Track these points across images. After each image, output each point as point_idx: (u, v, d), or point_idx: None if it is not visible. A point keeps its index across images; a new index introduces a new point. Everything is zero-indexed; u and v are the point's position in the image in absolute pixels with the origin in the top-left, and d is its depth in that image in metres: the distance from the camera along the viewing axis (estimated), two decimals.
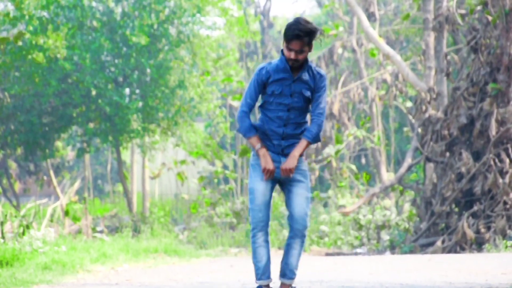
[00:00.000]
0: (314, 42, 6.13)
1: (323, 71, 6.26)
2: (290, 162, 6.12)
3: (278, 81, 6.14)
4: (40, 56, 17.34)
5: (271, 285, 6.34)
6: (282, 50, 6.18)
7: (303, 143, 6.16)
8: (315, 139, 6.19)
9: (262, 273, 6.21)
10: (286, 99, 6.14)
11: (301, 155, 6.21)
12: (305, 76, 6.17)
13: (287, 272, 6.25)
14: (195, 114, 22.12)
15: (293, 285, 6.29)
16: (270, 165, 6.13)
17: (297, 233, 6.19)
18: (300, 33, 6.00)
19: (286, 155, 6.19)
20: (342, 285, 8.09)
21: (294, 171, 6.18)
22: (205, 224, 21.02)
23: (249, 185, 6.23)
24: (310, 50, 6.12)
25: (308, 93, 6.16)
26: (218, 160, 25.40)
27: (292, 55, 6.06)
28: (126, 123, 20.32)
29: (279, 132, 6.17)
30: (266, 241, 6.20)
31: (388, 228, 19.10)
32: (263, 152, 6.15)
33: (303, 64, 6.18)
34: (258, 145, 6.16)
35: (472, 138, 16.63)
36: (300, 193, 6.19)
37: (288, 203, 6.23)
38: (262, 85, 6.18)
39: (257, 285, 6.25)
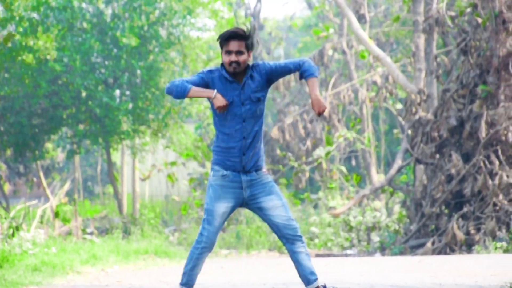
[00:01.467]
0: (253, 51, 6.07)
1: (256, 62, 6.12)
2: (319, 104, 5.92)
3: (225, 90, 6.01)
4: (30, 58, 17.28)
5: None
6: (221, 64, 6.07)
7: (312, 81, 5.98)
8: (316, 72, 6.00)
9: (192, 282, 6.10)
10: (238, 109, 6.01)
11: (261, 168, 6.09)
12: (250, 79, 6.05)
13: (309, 277, 6.09)
14: (185, 115, 22.11)
15: (322, 284, 6.14)
16: (223, 101, 5.95)
17: (290, 238, 6.07)
18: (236, 32, 5.97)
19: (247, 172, 6.05)
20: (332, 286, 8.09)
21: (260, 180, 6.08)
22: (195, 226, 21.01)
23: (207, 205, 6.05)
24: (249, 55, 6.03)
25: (258, 96, 6.05)
26: (208, 161, 25.38)
27: (232, 57, 5.96)
28: (116, 124, 20.29)
29: (239, 147, 6.02)
30: (206, 257, 6.11)
31: (378, 230, 19.13)
32: (215, 92, 5.95)
33: (246, 70, 6.06)
34: (209, 91, 5.97)
35: (462, 140, 16.68)
36: (272, 205, 6.06)
37: (266, 219, 6.10)
38: (204, 84, 6.03)
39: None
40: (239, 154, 6.05)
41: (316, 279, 6.10)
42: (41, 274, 9.97)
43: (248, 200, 6.08)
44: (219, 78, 6.05)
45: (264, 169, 6.15)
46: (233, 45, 5.97)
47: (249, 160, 6.05)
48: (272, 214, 6.06)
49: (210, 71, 6.09)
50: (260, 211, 6.09)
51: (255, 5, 34.99)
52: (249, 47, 6.04)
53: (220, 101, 5.96)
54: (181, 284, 6.12)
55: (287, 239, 6.07)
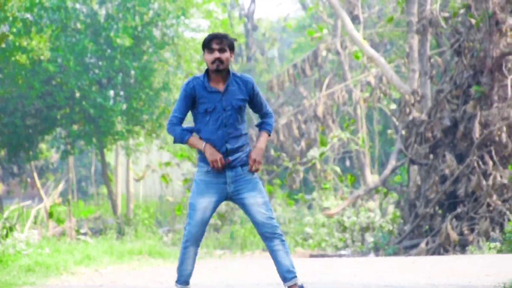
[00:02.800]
0: (233, 51, 6.20)
1: (247, 75, 6.27)
2: (257, 154, 6.16)
3: (207, 97, 6.13)
4: (23, 58, 17.25)
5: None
6: (205, 71, 6.21)
7: (264, 135, 6.28)
8: (271, 131, 6.31)
9: (184, 280, 6.26)
10: (220, 115, 6.12)
11: (246, 164, 6.20)
12: (233, 86, 6.18)
13: (285, 275, 6.19)
14: None
15: (299, 284, 6.20)
16: (217, 155, 6.09)
17: (268, 236, 6.17)
18: (217, 34, 6.13)
19: (232, 167, 6.15)
20: (326, 287, 8.11)
21: (244, 176, 6.19)
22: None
23: (190, 200, 6.20)
24: (231, 55, 6.16)
25: (240, 103, 6.16)
26: None
27: (216, 54, 6.08)
28: (110, 125, 20.28)
29: (223, 151, 6.14)
30: (195, 253, 6.23)
31: (372, 230, 19.15)
32: (208, 146, 6.10)
33: (227, 75, 6.18)
34: (201, 144, 6.13)
35: (455, 140, 16.71)
36: (253, 202, 6.16)
37: (248, 215, 6.23)
38: (191, 99, 6.16)
39: (176, 286, 6.29)
40: (223, 155, 6.17)
41: (294, 277, 6.19)
42: (35, 274, 9.96)
43: (232, 195, 6.21)
44: (201, 85, 6.18)
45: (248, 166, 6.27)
46: (215, 43, 6.11)
47: (234, 159, 6.18)
48: (253, 210, 6.18)
49: (190, 81, 6.20)
50: (242, 207, 6.23)
51: (249, 5, 35.05)
52: (231, 48, 6.17)
53: (211, 154, 6.11)
54: (176, 281, 6.29)
55: (266, 237, 6.19)
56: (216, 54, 6.08)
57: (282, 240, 6.20)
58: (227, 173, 6.17)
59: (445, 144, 16.94)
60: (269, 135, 6.30)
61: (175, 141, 6.23)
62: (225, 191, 6.18)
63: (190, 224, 6.17)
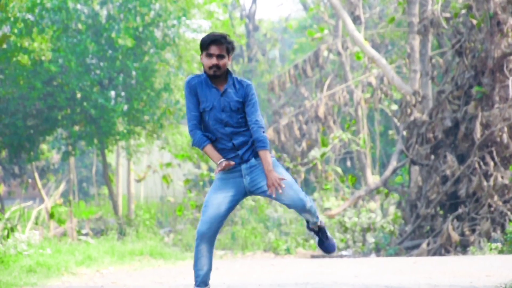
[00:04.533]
0: (232, 55, 6.21)
1: (248, 80, 6.27)
2: (270, 178, 6.07)
3: (206, 96, 6.15)
4: (25, 59, 17.26)
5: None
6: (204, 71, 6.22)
7: (265, 155, 6.12)
8: (268, 144, 6.17)
9: (202, 280, 6.21)
10: (219, 115, 6.14)
11: (258, 156, 6.21)
12: (231, 88, 6.18)
13: (309, 224, 6.53)
14: (180, 116, 22.11)
15: (320, 224, 6.53)
16: (228, 164, 6.13)
17: (300, 212, 6.32)
18: (216, 37, 6.10)
19: (246, 161, 6.16)
20: (327, 287, 8.11)
21: (259, 165, 6.20)
22: (190, 227, 21.01)
23: (206, 196, 6.23)
24: (229, 59, 6.17)
25: (238, 106, 6.16)
26: (204, 162, 25.40)
27: (213, 61, 6.09)
28: (112, 125, 20.28)
29: (230, 147, 6.16)
30: (210, 251, 6.20)
31: (374, 231, 19.14)
32: (223, 165, 6.12)
33: (227, 77, 6.19)
34: (217, 158, 6.16)
35: (457, 141, 16.71)
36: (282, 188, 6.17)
37: (275, 200, 6.24)
38: (195, 95, 6.18)
39: None
40: (232, 152, 6.19)
41: (316, 222, 6.51)
42: (36, 275, 9.96)
43: (250, 186, 6.20)
44: (201, 83, 6.20)
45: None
46: (214, 49, 6.10)
47: (244, 152, 6.19)
48: (283, 197, 6.19)
49: (192, 79, 6.22)
50: (264, 195, 6.21)
51: (250, 6, 35.07)
52: (229, 51, 6.17)
53: (225, 165, 6.15)
54: (194, 285, 6.25)
55: (298, 211, 6.33)
56: (214, 61, 6.10)
57: (312, 211, 6.34)
58: (241, 166, 6.17)
59: (446, 145, 16.94)
60: (268, 150, 6.15)
61: (193, 144, 6.27)
62: (242, 185, 6.19)
63: (201, 221, 6.15)
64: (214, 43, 6.09)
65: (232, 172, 6.18)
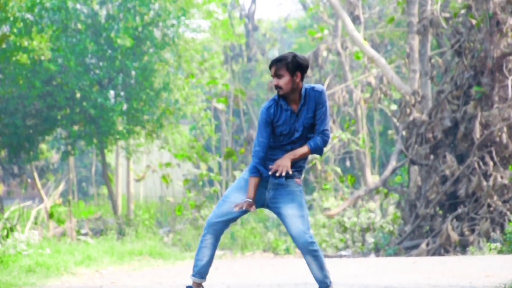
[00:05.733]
0: (299, 71, 6.13)
1: (320, 86, 6.22)
2: (282, 159, 6.10)
3: (283, 120, 6.15)
4: (24, 58, 17.26)
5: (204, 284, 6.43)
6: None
7: (303, 148, 6.15)
8: (316, 150, 6.16)
9: (199, 271, 6.26)
10: (294, 136, 6.16)
11: (292, 177, 6.19)
12: (304, 106, 6.17)
13: (320, 285, 6.28)
14: (180, 116, 22.11)
15: None
16: (251, 200, 6.10)
17: (303, 250, 6.19)
18: (274, 59, 6.13)
19: (279, 176, 6.13)
20: None
21: (286, 187, 6.20)
22: (190, 227, 21.00)
23: (226, 192, 6.27)
24: (296, 79, 6.12)
25: (311, 122, 6.18)
26: (203, 162, 25.38)
27: (274, 81, 6.12)
28: (111, 125, 20.27)
29: (279, 157, 6.18)
30: (214, 245, 6.24)
31: (373, 231, 19.15)
32: (250, 201, 6.11)
33: (301, 94, 6.16)
34: (250, 194, 6.11)
35: (456, 141, 16.71)
36: (291, 214, 6.17)
37: (284, 225, 6.25)
38: (270, 124, 6.16)
39: (191, 280, 6.30)
40: (278, 158, 6.20)
41: (328, 285, 6.25)
42: (35, 275, 9.96)
43: (269, 201, 6.25)
44: (278, 109, 6.19)
45: (298, 180, 6.25)
46: (272, 70, 6.15)
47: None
48: (288, 222, 6.19)
49: (270, 107, 6.19)
50: (279, 216, 6.25)
51: (250, 6, 35.07)
52: (290, 69, 6.12)
53: (246, 206, 6.11)
54: (191, 275, 6.30)
55: (300, 248, 6.22)
56: (274, 81, 6.14)
57: (315, 255, 6.18)
58: (270, 179, 6.20)
59: (446, 145, 16.94)
60: (310, 151, 6.15)
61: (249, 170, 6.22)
62: (263, 196, 6.23)
63: (214, 213, 6.22)
64: (272, 64, 6.14)
65: (260, 181, 6.19)
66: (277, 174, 6.08)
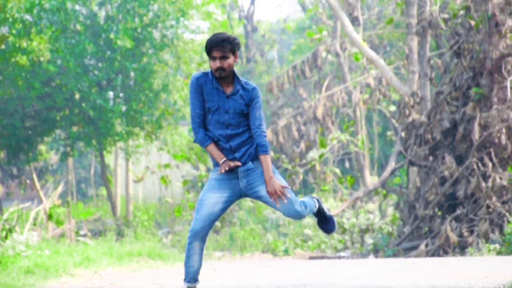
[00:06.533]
0: (239, 52, 6.22)
1: (254, 83, 6.30)
2: (270, 184, 6.12)
3: (212, 96, 6.18)
4: (23, 59, 17.24)
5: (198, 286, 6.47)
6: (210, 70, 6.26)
7: (266, 159, 6.16)
8: (268, 147, 6.21)
9: (192, 277, 6.29)
10: (222, 116, 6.18)
11: (256, 159, 6.23)
12: (238, 92, 6.21)
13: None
14: (179, 117, 22.09)
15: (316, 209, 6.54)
16: (230, 166, 6.14)
17: (297, 219, 6.33)
18: (218, 40, 6.11)
19: (243, 163, 6.19)
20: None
21: (256, 169, 6.23)
22: (188, 228, 20.98)
23: (200, 196, 6.27)
24: (235, 59, 6.18)
25: (242, 109, 6.20)
26: (202, 163, 25.38)
27: (217, 63, 6.11)
28: (110, 126, 20.26)
29: (227, 147, 6.20)
30: (201, 249, 6.26)
31: (372, 232, 19.15)
32: (225, 164, 6.15)
33: (233, 79, 6.22)
34: (220, 158, 6.17)
35: (455, 142, 16.71)
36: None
37: (269, 205, 6.28)
38: (201, 94, 6.19)
39: (185, 286, 6.33)
40: (229, 153, 6.22)
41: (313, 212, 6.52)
42: (34, 276, 9.96)
43: (246, 189, 6.24)
44: (208, 83, 6.22)
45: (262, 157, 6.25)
46: (216, 52, 6.12)
47: (242, 155, 6.22)
48: (271, 201, 6.21)
49: (200, 77, 6.24)
50: (260, 199, 6.26)
51: (249, 7, 35.08)
52: (234, 50, 6.17)
53: (226, 166, 6.16)
54: (184, 279, 6.33)
55: (293, 218, 6.31)
56: (217, 63, 6.12)
57: (309, 214, 6.38)
58: (238, 169, 6.20)
59: (445, 146, 16.95)
60: (267, 152, 6.19)
61: (195, 141, 6.29)
62: (237, 187, 6.22)
63: (196, 219, 6.20)
64: (216, 47, 6.11)
65: (228, 174, 6.21)
66: (285, 201, 6.13)
